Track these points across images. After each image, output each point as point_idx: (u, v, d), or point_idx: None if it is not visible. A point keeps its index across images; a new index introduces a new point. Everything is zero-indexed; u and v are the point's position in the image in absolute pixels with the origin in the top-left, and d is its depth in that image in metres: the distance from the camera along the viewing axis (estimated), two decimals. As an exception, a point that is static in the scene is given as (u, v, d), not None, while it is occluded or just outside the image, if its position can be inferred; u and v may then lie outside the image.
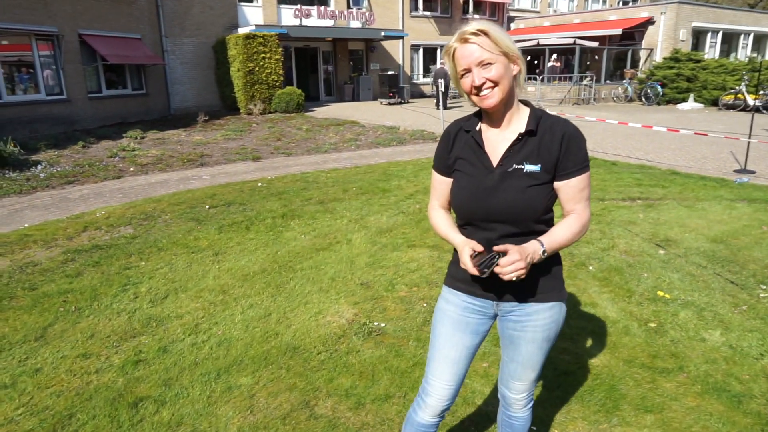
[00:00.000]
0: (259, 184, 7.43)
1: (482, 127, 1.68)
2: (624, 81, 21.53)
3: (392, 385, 2.76)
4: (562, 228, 1.59)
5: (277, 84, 16.92)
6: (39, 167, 8.45)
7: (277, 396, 2.69)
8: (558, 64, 22.04)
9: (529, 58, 24.66)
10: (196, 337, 3.28)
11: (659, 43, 21.54)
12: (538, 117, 1.60)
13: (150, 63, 16.06)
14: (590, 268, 4.28)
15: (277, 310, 3.65)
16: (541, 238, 1.56)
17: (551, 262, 1.65)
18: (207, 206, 6.21)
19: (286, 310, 3.64)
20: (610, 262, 4.40)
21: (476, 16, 25.44)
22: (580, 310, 3.56)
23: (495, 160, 1.61)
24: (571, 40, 21.51)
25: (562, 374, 2.84)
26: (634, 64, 22.57)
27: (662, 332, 3.27)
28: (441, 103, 15.41)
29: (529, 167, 1.56)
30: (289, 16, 19.74)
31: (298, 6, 19.45)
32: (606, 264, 4.35)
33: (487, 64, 1.51)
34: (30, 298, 3.77)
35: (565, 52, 22.65)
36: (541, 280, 1.65)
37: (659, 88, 19.56)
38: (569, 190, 1.58)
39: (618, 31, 21.05)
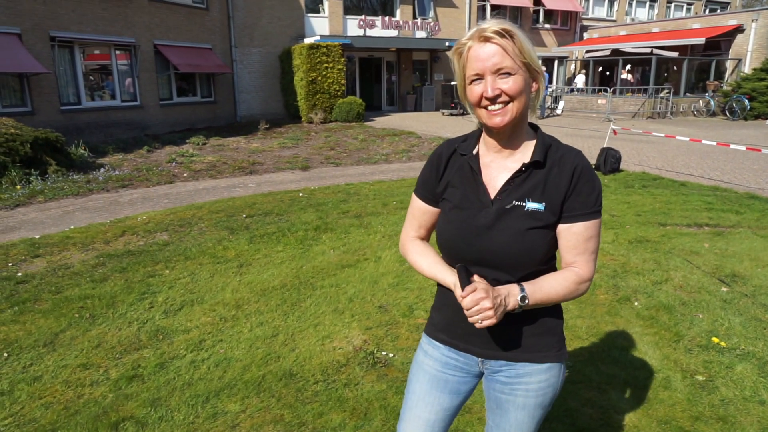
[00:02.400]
0: (301, 194, 7.39)
1: (480, 150, 1.41)
2: (706, 94, 20.01)
3: (384, 426, 2.51)
4: (555, 280, 1.31)
5: (339, 93, 17.09)
6: (101, 170, 8.88)
7: (259, 429, 2.51)
8: (630, 77, 20.83)
9: (600, 69, 23.55)
10: (197, 355, 3.18)
11: (749, 53, 19.87)
12: (546, 146, 1.33)
13: (219, 72, 16.69)
14: (636, 303, 3.82)
15: (286, 330, 3.49)
16: (524, 283, 1.29)
17: (551, 315, 1.39)
18: (244, 215, 6.21)
19: (295, 331, 3.48)
20: (661, 298, 3.91)
21: (546, 26, 24.63)
22: (614, 354, 3.14)
23: (493, 192, 1.34)
24: (647, 50, 20.27)
25: (579, 431, 2.47)
26: (719, 76, 20.95)
27: (711, 388, 2.81)
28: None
29: (531, 205, 1.30)
30: (354, 27, 19.94)
31: (363, 16, 19.60)
32: (655, 300, 3.87)
33: (505, 73, 1.25)
34: (51, 302, 3.84)
35: (641, 62, 21.40)
36: (536, 337, 1.38)
37: (746, 102, 17.99)
38: (572, 237, 1.31)
39: (701, 41, 19.60)
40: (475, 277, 1.30)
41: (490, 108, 1.28)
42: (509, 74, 1.25)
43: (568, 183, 1.29)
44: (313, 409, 2.64)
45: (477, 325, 1.22)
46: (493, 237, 1.31)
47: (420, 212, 1.51)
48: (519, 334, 1.38)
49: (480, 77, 1.27)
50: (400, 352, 3.19)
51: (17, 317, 3.62)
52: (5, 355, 3.15)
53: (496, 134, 1.35)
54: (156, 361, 3.10)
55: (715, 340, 3.28)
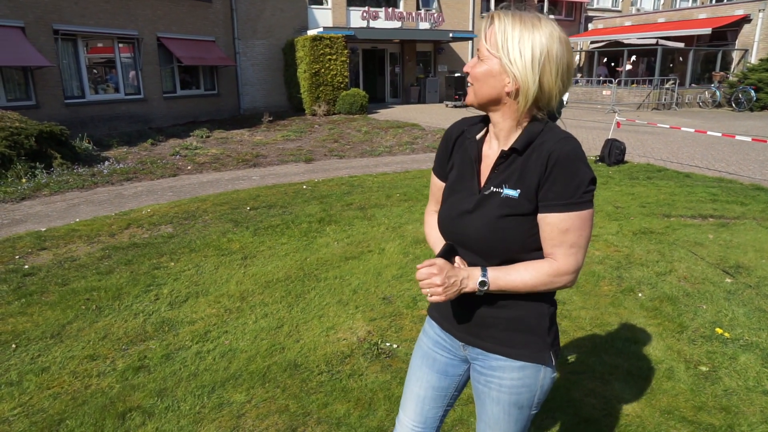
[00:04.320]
0: (305, 186, 7.40)
1: (488, 137, 1.41)
2: (712, 85, 19.86)
3: (388, 417, 2.53)
4: (526, 268, 1.26)
5: (342, 85, 17.04)
6: (106, 163, 8.90)
7: (265, 419, 2.53)
8: (632, 68, 20.70)
9: (605, 60, 23.39)
10: (203, 346, 3.21)
11: (755, 44, 19.68)
12: (532, 133, 1.27)
13: (222, 65, 16.66)
14: (639, 295, 3.82)
15: (290, 321, 3.51)
16: (490, 268, 1.27)
17: (533, 313, 1.33)
18: (248, 208, 6.23)
19: (299, 322, 3.50)
20: (665, 289, 3.91)
21: (551, 16, 24.38)
22: (617, 344, 3.15)
23: (484, 178, 1.36)
24: (652, 41, 20.12)
25: (583, 421, 2.48)
26: (725, 67, 20.77)
27: (714, 379, 2.81)
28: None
29: (507, 192, 1.28)
30: (357, 18, 19.85)
31: (366, 8, 19.50)
32: (659, 291, 3.87)
33: (479, 58, 1.29)
34: (58, 294, 3.87)
35: (646, 53, 21.24)
36: (513, 332, 1.34)
37: (752, 93, 17.84)
38: (546, 227, 1.25)
39: (707, 31, 19.43)
40: (457, 258, 1.34)
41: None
42: (480, 60, 1.28)
43: (543, 170, 1.23)
44: (318, 400, 2.66)
45: (428, 299, 1.25)
46: (470, 222, 1.32)
47: (436, 188, 1.54)
48: (495, 325, 1.35)
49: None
50: (403, 343, 3.21)
51: (25, 309, 3.66)
52: (13, 346, 3.18)
53: (492, 121, 1.36)
54: (162, 352, 3.13)
55: (719, 330, 3.28)
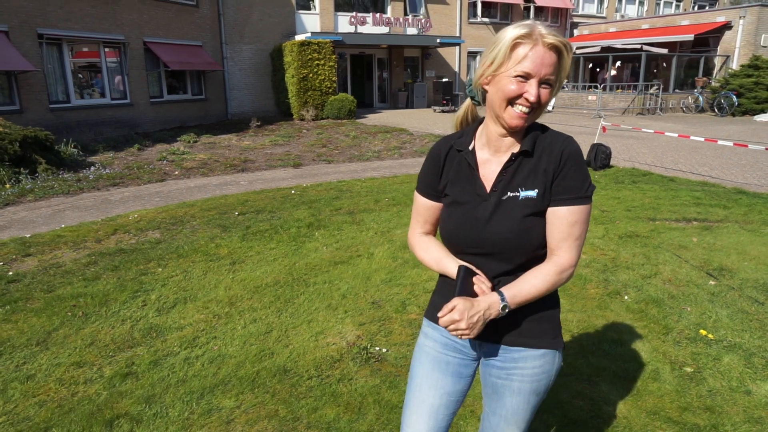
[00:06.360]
0: (293, 191, 7.39)
1: (477, 145, 1.45)
2: (695, 90, 20.18)
3: (378, 421, 2.53)
4: (536, 277, 1.34)
5: (330, 90, 17.06)
6: (92, 169, 8.82)
7: (254, 424, 2.53)
8: (616, 73, 21.00)
9: (591, 65, 23.68)
10: (191, 352, 3.19)
11: (736, 50, 20.06)
12: (535, 135, 1.37)
13: (210, 69, 16.60)
14: (625, 297, 3.87)
15: (279, 326, 3.50)
16: (503, 289, 1.33)
17: (547, 302, 1.41)
18: (236, 213, 6.20)
19: (288, 327, 3.50)
20: (650, 291, 3.96)
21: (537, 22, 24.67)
22: (604, 346, 3.18)
23: (489, 185, 1.39)
24: (637, 46, 20.41)
25: (571, 423, 2.51)
26: (707, 72, 21.13)
27: (699, 379, 2.86)
28: None
29: (524, 194, 1.34)
30: (345, 24, 19.90)
31: (354, 13, 19.57)
32: (644, 294, 3.92)
33: (548, 84, 1.29)
34: (44, 301, 3.83)
35: (631, 59, 21.54)
36: (531, 323, 1.42)
37: (734, 98, 18.17)
38: (556, 221, 1.33)
39: (690, 37, 19.79)
40: (476, 279, 1.37)
41: (519, 109, 1.30)
42: (550, 86, 1.30)
43: (556, 167, 1.32)
44: (308, 404, 2.66)
45: (459, 339, 1.32)
46: (491, 228, 1.35)
47: (424, 209, 1.54)
48: (515, 318, 1.40)
49: (525, 78, 1.27)
50: (393, 347, 3.22)
51: (9, 316, 3.61)
52: (-2, 354, 3.14)
53: (507, 133, 1.38)
54: (150, 358, 3.10)
55: (703, 332, 3.33)
